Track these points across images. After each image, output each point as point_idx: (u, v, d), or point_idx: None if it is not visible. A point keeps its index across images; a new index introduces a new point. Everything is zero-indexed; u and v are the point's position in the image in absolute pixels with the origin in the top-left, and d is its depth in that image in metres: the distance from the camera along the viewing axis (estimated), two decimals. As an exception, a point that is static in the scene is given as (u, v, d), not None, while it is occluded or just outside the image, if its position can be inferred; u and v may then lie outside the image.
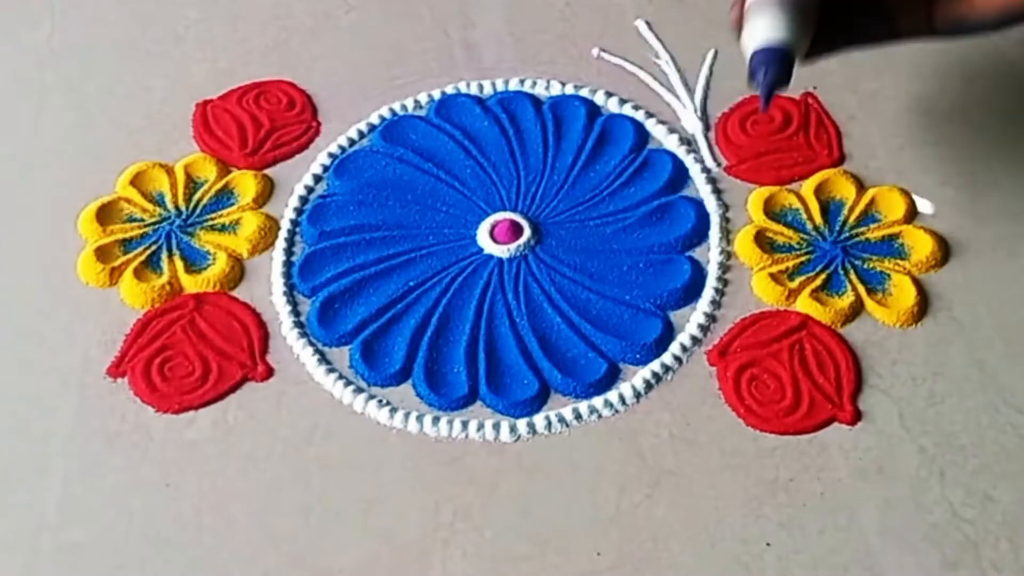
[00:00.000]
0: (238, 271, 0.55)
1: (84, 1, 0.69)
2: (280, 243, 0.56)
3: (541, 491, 0.47)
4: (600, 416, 0.49)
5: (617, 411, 0.49)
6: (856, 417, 0.48)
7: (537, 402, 0.50)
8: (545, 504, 0.46)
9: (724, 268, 0.54)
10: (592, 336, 0.52)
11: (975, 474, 0.47)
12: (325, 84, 0.63)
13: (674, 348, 0.51)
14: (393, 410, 0.49)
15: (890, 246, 0.54)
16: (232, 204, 0.58)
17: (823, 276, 0.53)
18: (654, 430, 0.48)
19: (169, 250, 0.56)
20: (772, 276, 0.53)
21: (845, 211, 0.56)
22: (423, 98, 0.63)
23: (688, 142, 0.59)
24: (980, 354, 0.50)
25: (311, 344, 0.52)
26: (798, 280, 0.53)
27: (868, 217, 0.56)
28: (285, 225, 0.57)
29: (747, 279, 0.53)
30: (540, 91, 0.63)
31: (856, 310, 0.52)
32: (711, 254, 0.55)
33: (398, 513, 0.46)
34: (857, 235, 0.55)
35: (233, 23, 0.68)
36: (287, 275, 0.55)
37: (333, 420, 0.49)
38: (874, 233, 0.55)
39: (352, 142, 0.61)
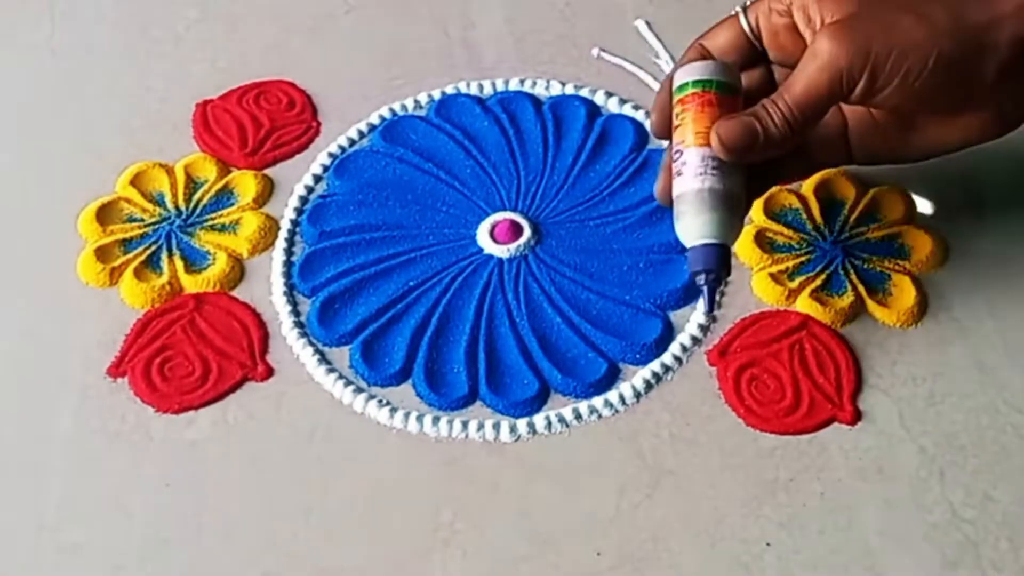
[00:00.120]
0: (238, 271, 0.55)
1: (84, 1, 0.69)
2: (280, 243, 0.56)
3: (541, 491, 0.47)
4: (600, 416, 0.49)
5: (617, 411, 0.49)
6: (856, 417, 0.48)
7: (537, 402, 0.50)
8: (545, 504, 0.46)
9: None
10: (592, 336, 0.52)
11: (975, 474, 0.47)
12: (325, 84, 0.63)
13: (674, 348, 0.51)
14: (393, 410, 0.49)
15: (890, 246, 0.54)
16: (232, 204, 0.58)
17: (823, 276, 0.53)
18: (654, 430, 0.48)
19: (169, 250, 0.56)
20: (772, 276, 0.53)
21: (845, 211, 0.56)
22: (423, 98, 0.63)
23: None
24: (980, 354, 0.50)
25: (311, 344, 0.52)
26: (798, 280, 0.53)
27: (868, 217, 0.56)
28: (285, 225, 0.57)
29: (747, 279, 0.53)
30: (540, 91, 0.63)
31: (856, 310, 0.52)
32: (711, 254, 0.55)
33: (398, 513, 0.46)
34: (857, 235, 0.55)
35: (233, 23, 0.68)
36: (287, 275, 0.55)
37: (333, 420, 0.49)
38: (874, 233, 0.55)
39: (352, 142, 0.61)
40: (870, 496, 0.46)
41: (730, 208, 0.45)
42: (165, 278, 0.54)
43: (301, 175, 0.59)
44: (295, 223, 0.57)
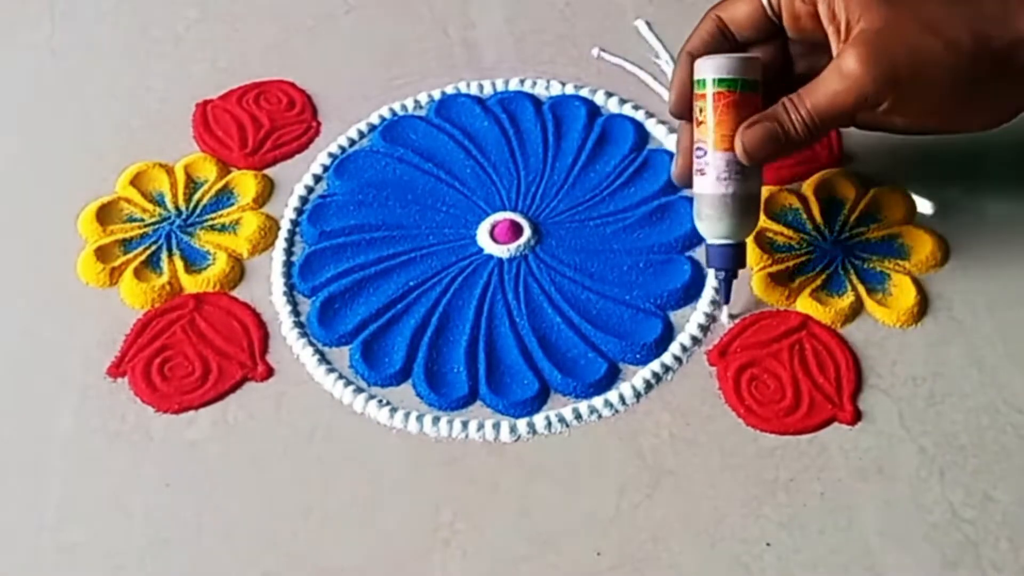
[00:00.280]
0: (238, 271, 0.55)
1: (84, 1, 0.69)
2: (280, 243, 0.56)
3: (541, 491, 0.47)
4: (600, 416, 0.49)
5: (617, 411, 0.49)
6: (856, 417, 0.48)
7: (537, 402, 0.50)
8: (545, 504, 0.46)
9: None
10: (592, 336, 0.52)
11: (975, 474, 0.47)
12: (325, 84, 0.63)
13: (674, 348, 0.51)
14: (393, 410, 0.49)
15: (890, 246, 0.54)
16: (232, 204, 0.58)
17: (823, 276, 0.53)
18: (654, 430, 0.48)
19: (169, 250, 0.56)
20: (772, 276, 0.53)
21: (845, 211, 0.56)
22: (423, 98, 0.63)
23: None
24: (980, 354, 0.50)
25: (311, 344, 0.52)
26: (798, 280, 0.53)
27: (868, 217, 0.56)
28: (285, 225, 0.57)
29: (747, 279, 0.53)
30: (540, 91, 0.63)
31: (856, 310, 0.52)
32: (711, 254, 0.55)
33: (398, 513, 0.46)
34: (857, 235, 0.55)
35: (233, 23, 0.68)
36: (287, 275, 0.55)
37: (333, 420, 0.49)
38: (874, 233, 0.55)
39: (352, 142, 0.61)
40: (870, 496, 0.46)
41: (750, 209, 0.49)
42: (165, 278, 0.54)
43: (301, 175, 0.59)
44: (295, 223, 0.57)
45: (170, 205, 0.58)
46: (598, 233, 0.56)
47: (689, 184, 0.50)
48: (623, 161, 0.59)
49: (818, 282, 0.53)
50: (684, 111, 0.49)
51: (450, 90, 0.63)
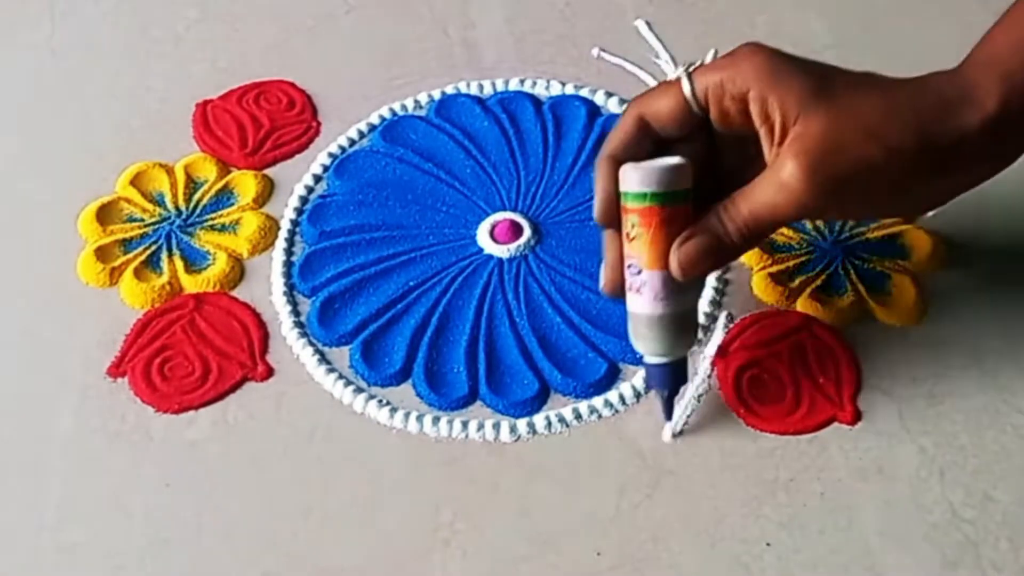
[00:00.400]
0: (238, 271, 0.55)
1: (84, 1, 0.69)
2: (280, 243, 0.56)
3: (541, 491, 0.47)
4: (600, 416, 0.49)
5: (617, 411, 0.49)
6: (856, 417, 0.48)
7: (537, 402, 0.50)
8: (545, 504, 0.46)
9: (724, 268, 0.54)
10: (592, 336, 0.52)
11: (975, 474, 0.47)
12: (325, 84, 0.63)
13: (674, 348, 0.51)
14: (393, 410, 0.49)
15: (890, 246, 0.54)
16: (232, 204, 0.58)
17: (823, 276, 0.53)
18: (654, 430, 0.48)
19: (169, 250, 0.56)
20: (772, 276, 0.53)
21: (845, 211, 0.56)
22: (423, 98, 0.63)
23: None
24: (980, 354, 0.50)
25: (311, 344, 0.52)
26: (798, 280, 0.53)
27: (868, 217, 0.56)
28: (285, 225, 0.57)
29: (747, 279, 0.53)
30: (540, 91, 0.63)
31: (856, 310, 0.52)
32: (711, 254, 0.55)
33: (398, 513, 0.46)
34: (857, 235, 0.55)
35: (233, 23, 0.68)
36: (287, 275, 0.55)
37: (333, 420, 0.49)
38: (874, 233, 0.55)
39: (352, 142, 0.61)
40: (870, 496, 0.46)
41: (688, 325, 0.45)
42: (165, 278, 0.54)
43: (301, 175, 0.59)
44: (295, 223, 0.57)
45: (170, 205, 0.58)
46: (598, 233, 0.55)
47: (620, 296, 0.45)
48: (623, 161, 0.59)
49: (818, 282, 0.53)
50: (611, 220, 0.45)
51: (450, 90, 0.63)
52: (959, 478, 0.46)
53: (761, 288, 0.53)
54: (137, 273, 0.54)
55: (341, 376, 0.51)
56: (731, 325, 0.52)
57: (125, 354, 0.52)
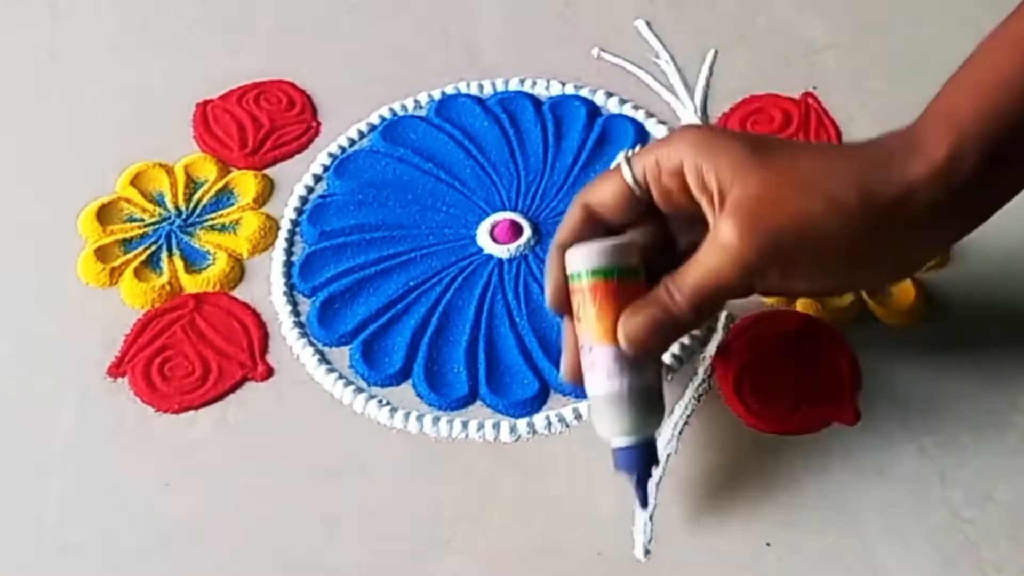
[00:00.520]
0: (238, 271, 0.55)
1: (84, 1, 0.69)
2: (280, 243, 0.56)
3: (541, 491, 0.47)
4: (600, 416, 0.49)
5: (617, 411, 0.49)
6: (856, 417, 0.48)
7: (537, 402, 0.50)
8: (545, 504, 0.46)
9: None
10: (592, 336, 0.52)
11: (975, 474, 0.46)
12: (325, 84, 0.63)
13: (674, 348, 0.51)
14: (393, 410, 0.49)
15: (890, 246, 0.54)
16: (232, 204, 0.58)
17: (823, 276, 0.53)
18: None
19: (169, 250, 0.56)
20: (772, 276, 0.53)
21: (845, 211, 0.56)
22: (423, 98, 0.63)
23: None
24: (980, 354, 0.50)
25: (311, 344, 0.52)
26: (798, 280, 0.53)
27: (868, 217, 0.56)
28: (285, 225, 0.57)
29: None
30: (540, 91, 0.63)
31: (856, 310, 0.52)
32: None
33: (398, 513, 0.46)
34: (857, 235, 0.55)
35: (233, 23, 0.68)
36: (287, 275, 0.55)
37: (333, 420, 0.49)
38: (874, 233, 0.55)
39: (352, 142, 0.61)
40: (870, 496, 0.46)
41: (648, 401, 0.43)
42: (165, 278, 0.54)
43: (301, 175, 0.59)
44: (295, 223, 0.57)
45: (170, 205, 0.58)
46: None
47: (581, 382, 0.44)
48: (623, 161, 0.59)
49: (818, 282, 0.53)
50: (563, 307, 0.44)
51: (450, 90, 0.63)
52: (959, 478, 0.46)
53: (761, 288, 0.53)
54: (137, 273, 0.54)
55: (341, 376, 0.51)
56: (731, 325, 0.52)
57: (125, 354, 0.52)
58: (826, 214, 0.39)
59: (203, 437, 0.49)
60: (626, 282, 0.42)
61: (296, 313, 0.53)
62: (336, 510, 0.46)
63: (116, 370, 0.51)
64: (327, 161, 0.60)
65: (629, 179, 0.43)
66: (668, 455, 0.47)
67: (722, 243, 0.40)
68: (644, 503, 0.44)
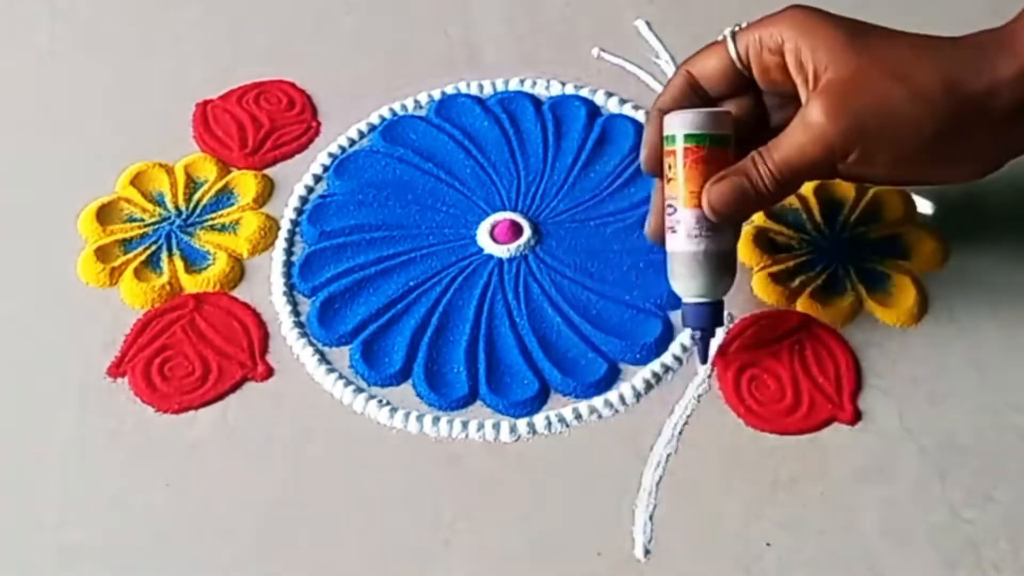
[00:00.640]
0: (238, 271, 0.55)
1: (84, 1, 0.69)
2: (280, 243, 0.56)
3: (541, 491, 0.47)
4: (600, 416, 0.49)
5: (617, 411, 0.49)
6: (856, 417, 0.48)
7: (537, 402, 0.50)
8: (545, 504, 0.46)
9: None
10: (592, 336, 0.52)
11: (975, 474, 0.47)
12: (325, 84, 0.63)
13: (674, 348, 0.51)
14: (393, 410, 0.49)
15: (890, 246, 0.54)
16: (232, 204, 0.58)
17: (823, 276, 0.53)
18: (654, 430, 0.48)
19: (169, 250, 0.56)
20: (772, 276, 0.53)
21: (845, 211, 0.56)
22: (423, 98, 0.63)
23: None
24: (980, 354, 0.50)
25: (311, 344, 0.52)
26: (798, 280, 0.53)
27: (868, 217, 0.56)
28: (285, 225, 0.57)
29: (747, 279, 0.53)
30: (540, 91, 0.63)
31: (856, 310, 0.52)
32: (711, 254, 0.55)
33: (398, 513, 0.46)
34: (857, 235, 0.55)
35: (233, 23, 0.68)
36: (287, 275, 0.55)
37: (333, 420, 0.49)
38: (874, 233, 0.55)
39: (352, 142, 0.61)
40: (870, 496, 0.46)
41: (724, 266, 0.47)
42: (165, 278, 0.54)
43: (301, 175, 0.59)
44: (295, 223, 0.57)
45: (170, 205, 0.58)
46: (598, 233, 0.56)
47: (662, 243, 0.48)
48: (623, 161, 0.59)
49: (818, 282, 0.53)
50: (656, 168, 0.48)
51: (450, 90, 0.63)
52: (959, 478, 0.46)
53: (761, 288, 0.53)
54: (137, 273, 0.54)
55: (341, 376, 0.51)
56: (731, 325, 0.52)
57: (125, 354, 0.52)
58: (910, 100, 0.40)
59: (203, 437, 0.49)
60: (716, 150, 0.45)
61: (296, 313, 0.53)
62: (336, 510, 0.46)
63: (116, 370, 0.51)
64: (327, 161, 0.60)
65: (732, 53, 0.45)
66: (668, 455, 0.47)
67: (809, 121, 0.42)
68: (704, 359, 0.49)
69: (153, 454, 0.48)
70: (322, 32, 0.67)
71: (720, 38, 0.46)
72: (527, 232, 0.55)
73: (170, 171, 0.59)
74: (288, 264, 0.55)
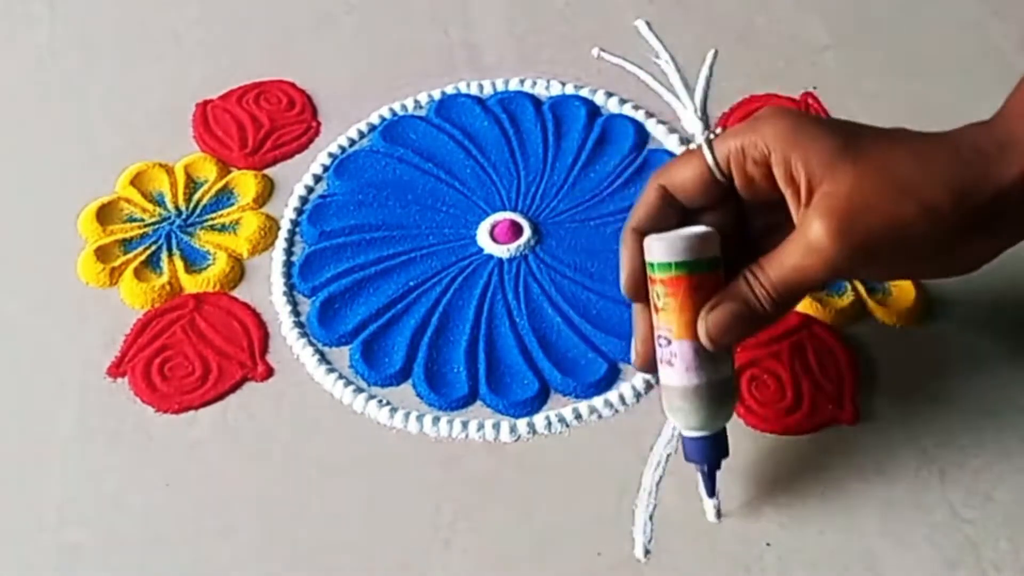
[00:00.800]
0: (238, 271, 0.55)
1: (84, 1, 0.69)
2: (280, 243, 0.56)
3: (541, 491, 0.47)
4: (600, 416, 0.49)
5: (617, 411, 0.49)
6: (856, 417, 0.48)
7: (537, 402, 0.50)
8: (545, 504, 0.46)
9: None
10: (592, 336, 0.52)
11: (975, 474, 0.47)
12: (325, 84, 0.63)
13: (674, 348, 0.51)
14: (393, 410, 0.49)
15: (890, 246, 0.54)
16: (232, 204, 0.58)
17: (823, 276, 0.53)
18: (654, 430, 0.48)
19: (169, 250, 0.56)
20: (772, 276, 0.53)
21: (845, 211, 0.56)
22: (423, 98, 0.63)
23: (688, 142, 0.60)
24: (980, 354, 0.50)
25: (311, 344, 0.52)
26: (798, 280, 0.53)
27: (868, 217, 0.56)
28: (285, 225, 0.57)
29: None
30: (540, 91, 0.63)
31: (856, 310, 0.52)
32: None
33: (398, 513, 0.46)
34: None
35: (233, 23, 0.68)
36: (287, 275, 0.55)
37: (333, 420, 0.49)
38: (874, 233, 0.55)
39: (352, 142, 0.61)
40: (870, 496, 0.46)
41: (725, 395, 0.43)
42: (165, 278, 0.54)
43: (301, 175, 0.59)
44: (295, 223, 0.57)
45: (170, 205, 0.58)
46: (598, 233, 0.56)
47: (652, 371, 0.44)
48: (623, 161, 0.59)
49: (818, 282, 0.53)
50: (638, 293, 0.44)
51: (450, 90, 0.63)
52: (959, 478, 0.46)
53: (761, 288, 0.53)
54: (137, 273, 0.54)
55: (341, 376, 0.51)
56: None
57: (125, 354, 0.52)
58: (919, 217, 0.38)
59: (203, 437, 0.49)
60: (706, 274, 0.42)
61: (296, 313, 0.53)
62: (336, 510, 0.46)
63: (116, 370, 0.51)
64: (327, 161, 0.60)
65: (711, 163, 0.42)
66: (668, 455, 0.47)
67: (811, 242, 0.39)
68: (711, 492, 0.45)
69: (153, 454, 0.48)
70: (322, 32, 0.67)
71: (694, 146, 0.43)
72: (527, 232, 0.55)
73: (170, 171, 0.59)
74: (288, 264, 0.55)
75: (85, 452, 0.48)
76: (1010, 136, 0.39)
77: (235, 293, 0.54)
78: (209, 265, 0.55)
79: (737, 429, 0.48)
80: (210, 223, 0.57)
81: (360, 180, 0.59)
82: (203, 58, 0.65)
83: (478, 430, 0.49)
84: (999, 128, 0.40)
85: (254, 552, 0.45)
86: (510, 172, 0.59)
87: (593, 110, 0.62)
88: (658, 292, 0.42)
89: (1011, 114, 0.40)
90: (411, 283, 0.54)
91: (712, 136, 0.42)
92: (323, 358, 0.52)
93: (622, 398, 0.50)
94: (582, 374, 0.50)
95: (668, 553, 0.45)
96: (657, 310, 0.43)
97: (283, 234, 0.57)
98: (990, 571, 0.44)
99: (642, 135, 0.60)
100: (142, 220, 0.57)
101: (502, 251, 0.55)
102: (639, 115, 0.61)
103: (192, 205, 0.58)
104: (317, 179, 0.59)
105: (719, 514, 0.45)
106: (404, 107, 0.62)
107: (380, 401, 0.50)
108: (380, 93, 0.63)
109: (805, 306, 0.52)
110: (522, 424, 0.49)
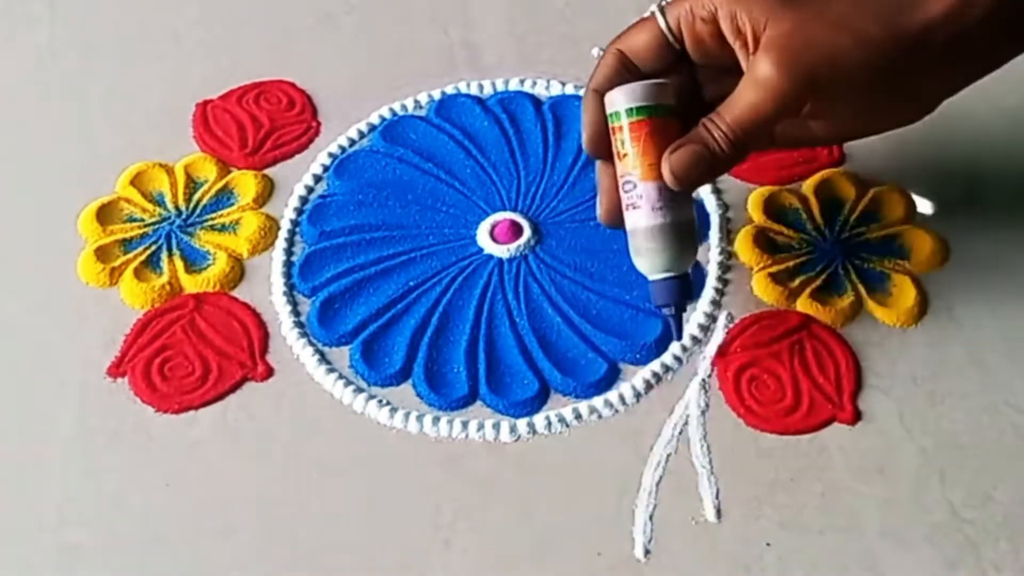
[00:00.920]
0: (238, 271, 0.55)
1: (84, 1, 0.69)
2: (280, 243, 0.56)
3: (541, 491, 0.47)
4: (600, 416, 0.49)
5: (617, 411, 0.49)
6: (856, 417, 0.48)
7: (537, 402, 0.50)
8: (545, 504, 0.46)
9: (724, 268, 0.54)
10: (592, 336, 0.52)
11: (975, 474, 0.47)
12: (325, 84, 0.63)
13: (674, 348, 0.51)
14: (393, 410, 0.49)
15: (890, 246, 0.54)
16: (232, 204, 0.58)
17: (823, 276, 0.53)
18: (654, 430, 0.48)
19: (169, 250, 0.56)
20: (772, 276, 0.53)
21: (845, 211, 0.56)
22: (423, 98, 0.63)
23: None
24: (980, 354, 0.50)
25: (311, 344, 0.52)
26: (798, 280, 0.53)
27: (868, 217, 0.56)
28: (285, 225, 0.57)
29: (747, 279, 0.53)
30: (540, 91, 0.63)
31: (856, 310, 0.52)
32: (711, 254, 0.55)
33: (398, 513, 0.46)
34: (857, 235, 0.55)
35: (233, 23, 0.68)
36: (287, 275, 0.55)
37: (333, 420, 0.49)
38: (874, 233, 0.55)
39: (352, 142, 0.61)
40: (870, 496, 0.46)
41: (688, 237, 0.46)
42: (165, 278, 0.54)
43: (301, 175, 0.59)
44: (295, 223, 0.57)
45: (170, 205, 0.58)
46: (598, 233, 0.56)
47: (618, 225, 0.47)
48: (623, 161, 0.59)
49: (818, 282, 0.53)
50: (600, 150, 0.46)
51: (450, 90, 0.63)
52: (959, 478, 0.46)
53: (761, 288, 0.53)
54: (137, 273, 0.54)
55: (341, 376, 0.51)
56: (731, 325, 0.52)
57: (125, 354, 0.52)
58: (854, 48, 0.41)
59: (203, 437, 0.49)
60: (665, 120, 0.44)
61: (296, 313, 0.53)
62: (336, 510, 0.46)
63: (116, 370, 0.51)
64: (327, 161, 0.60)
65: (663, 26, 0.45)
66: (668, 455, 0.47)
67: (759, 77, 0.42)
68: (679, 335, 0.47)
69: (153, 454, 0.48)
70: (322, 32, 0.67)
71: (648, 14, 0.46)
72: (527, 232, 0.55)
73: (170, 171, 0.59)
74: (288, 264, 0.55)
75: (85, 452, 0.48)
76: None
77: (235, 293, 0.54)
78: (209, 265, 0.55)
79: (737, 429, 0.48)
80: (210, 223, 0.57)
81: (360, 180, 0.59)
82: (203, 58, 0.65)
83: (478, 430, 0.49)
84: None
85: (254, 552, 0.45)
86: (510, 172, 0.59)
87: (593, 110, 0.61)
88: (622, 140, 0.45)
89: None
90: (411, 283, 0.54)
91: (664, 3, 0.45)
92: (323, 358, 0.52)
93: (622, 398, 0.50)
94: (582, 374, 0.50)
95: (668, 553, 0.45)
96: (620, 157, 0.45)
97: (283, 234, 0.57)
98: (990, 571, 0.44)
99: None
100: (142, 220, 0.57)
101: (502, 251, 0.55)
102: (639, 115, 0.61)
103: (192, 205, 0.58)
104: (317, 179, 0.59)
105: (719, 514, 0.46)
106: (404, 107, 0.62)
107: (380, 401, 0.50)
108: (380, 93, 0.63)
109: (805, 306, 0.52)
110: (522, 424, 0.49)
